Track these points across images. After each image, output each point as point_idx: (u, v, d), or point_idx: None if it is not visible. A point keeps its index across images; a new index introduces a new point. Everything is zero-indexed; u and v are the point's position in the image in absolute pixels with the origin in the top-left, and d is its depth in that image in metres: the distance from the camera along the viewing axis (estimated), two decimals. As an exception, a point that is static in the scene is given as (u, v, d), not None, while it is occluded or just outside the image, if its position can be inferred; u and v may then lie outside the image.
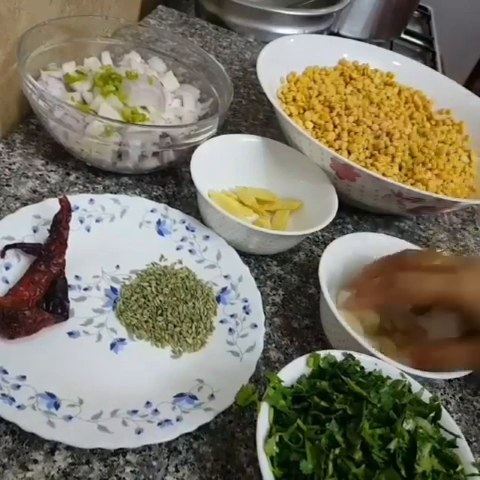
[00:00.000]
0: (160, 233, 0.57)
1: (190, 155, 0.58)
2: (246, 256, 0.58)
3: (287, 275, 0.59)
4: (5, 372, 0.41)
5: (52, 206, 0.51)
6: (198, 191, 0.55)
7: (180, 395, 0.44)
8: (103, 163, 0.60)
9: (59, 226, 0.49)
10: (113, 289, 0.51)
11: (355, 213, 0.70)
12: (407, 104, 0.78)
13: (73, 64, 0.64)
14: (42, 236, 0.51)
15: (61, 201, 0.49)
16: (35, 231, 0.51)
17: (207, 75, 0.69)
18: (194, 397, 0.44)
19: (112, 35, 0.69)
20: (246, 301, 0.52)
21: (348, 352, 0.43)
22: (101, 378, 0.44)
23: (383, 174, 0.63)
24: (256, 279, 0.55)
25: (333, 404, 0.37)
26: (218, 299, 0.53)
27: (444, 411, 0.40)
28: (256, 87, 0.86)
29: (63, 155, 0.62)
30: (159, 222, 0.57)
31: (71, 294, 0.48)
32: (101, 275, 0.51)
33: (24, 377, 0.42)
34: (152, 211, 0.57)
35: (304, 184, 0.64)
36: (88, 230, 0.54)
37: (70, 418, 0.40)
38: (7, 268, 0.48)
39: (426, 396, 0.41)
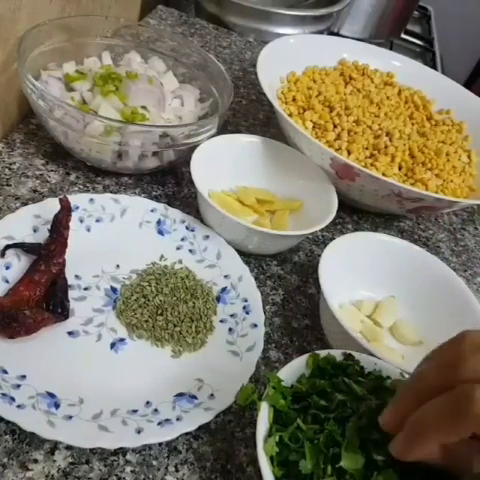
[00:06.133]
0: (160, 233, 0.57)
1: (190, 155, 0.58)
2: (246, 256, 0.58)
3: (287, 275, 0.59)
4: (5, 372, 0.41)
5: (52, 206, 0.51)
6: (198, 191, 0.55)
7: (180, 395, 0.44)
8: (103, 163, 0.60)
9: (59, 226, 0.49)
10: (113, 289, 0.51)
11: (355, 213, 0.71)
12: (407, 104, 0.79)
13: (73, 64, 0.64)
14: (42, 236, 0.51)
15: (61, 201, 0.49)
16: (35, 231, 0.51)
17: (207, 75, 0.69)
18: (194, 397, 0.44)
19: (112, 35, 0.69)
20: (246, 301, 0.52)
21: (348, 352, 0.43)
22: (101, 378, 0.44)
23: (383, 174, 0.63)
24: (256, 279, 0.55)
25: (333, 403, 0.37)
26: (218, 299, 0.53)
27: None
28: (256, 87, 0.86)
29: (63, 155, 0.62)
30: (159, 222, 0.57)
31: (71, 294, 0.48)
32: (101, 275, 0.52)
33: (24, 377, 0.42)
34: (152, 211, 0.57)
35: (304, 184, 0.64)
36: (88, 230, 0.54)
37: (70, 418, 0.40)
38: (7, 268, 0.48)
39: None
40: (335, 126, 0.68)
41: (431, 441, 0.29)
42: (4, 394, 0.39)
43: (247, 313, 0.51)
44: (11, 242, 0.49)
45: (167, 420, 0.42)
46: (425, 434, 0.29)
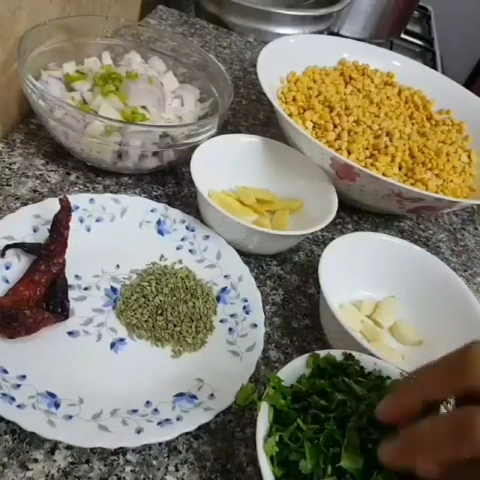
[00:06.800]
0: (160, 233, 0.57)
1: (190, 155, 0.58)
2: (246, 256, 0.58)
3: (287, 275, 0.59)
4: (5, 371, 0.41)
5: (52, 206, 0.51)
6: (198, 191, 0.55)
7: (180, 394, 0.44)
8: (103, 163, 0.60)
9: (59, 226, 0.49)
10: (113, 289, 0.51)
11: (355, 213, 0.71)
12: (407, 104, 0.79)
13: (73, 64, 0.64)
14: (42, 236, 0.51)
15: (61, 201, 0.49)
16: (35, 231, 0.51)
17: (207, 75, 0.69)
18: (194, 396, 0.44)
19: (112, 35, 0.69)
20: (246, 301, 0.52)
21: (348, 352, 0.43)
22: (101, 377, 0.44)
23: (383, 174, 0.63)
24: (256, 279, 0.55)
25: (333, 403, 0.37)
26: (218, 299, 0.53)
27: (443, 411, 0.40)
28: (256, 87, 0.86)
29: (63, 155, 0.62)
30: (159, 222, 0.57)
31: (71, 294, 0.48)
32: (101, 275, 0.52)
33: (24, 376, 0.42)
34: (152, 211, 0.57)
35: (304, 184, 0.64)
36: (88, 230, 0.54)
37: (70, 417, 0.40)
38: (7, 268, 0.48)
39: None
40: (335, 126, 0.68)
41: (427, 458, 0.29)
42: (4, 394, 0.39)
43: (247, 313, 0.51)
44: (11, 242, 0.49)
45: (167, 420, 0.42)
46: (422, 450, 0.29)
